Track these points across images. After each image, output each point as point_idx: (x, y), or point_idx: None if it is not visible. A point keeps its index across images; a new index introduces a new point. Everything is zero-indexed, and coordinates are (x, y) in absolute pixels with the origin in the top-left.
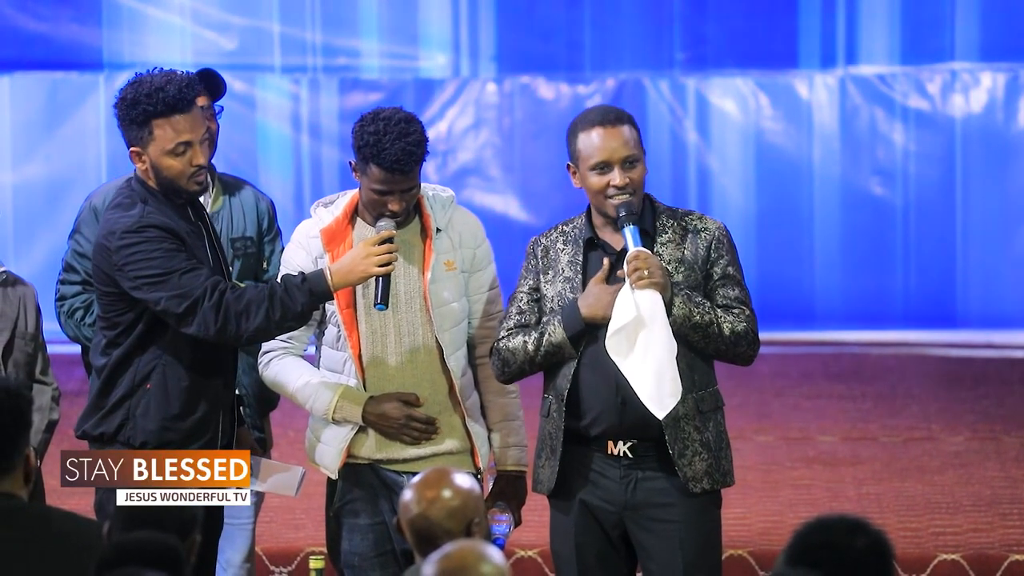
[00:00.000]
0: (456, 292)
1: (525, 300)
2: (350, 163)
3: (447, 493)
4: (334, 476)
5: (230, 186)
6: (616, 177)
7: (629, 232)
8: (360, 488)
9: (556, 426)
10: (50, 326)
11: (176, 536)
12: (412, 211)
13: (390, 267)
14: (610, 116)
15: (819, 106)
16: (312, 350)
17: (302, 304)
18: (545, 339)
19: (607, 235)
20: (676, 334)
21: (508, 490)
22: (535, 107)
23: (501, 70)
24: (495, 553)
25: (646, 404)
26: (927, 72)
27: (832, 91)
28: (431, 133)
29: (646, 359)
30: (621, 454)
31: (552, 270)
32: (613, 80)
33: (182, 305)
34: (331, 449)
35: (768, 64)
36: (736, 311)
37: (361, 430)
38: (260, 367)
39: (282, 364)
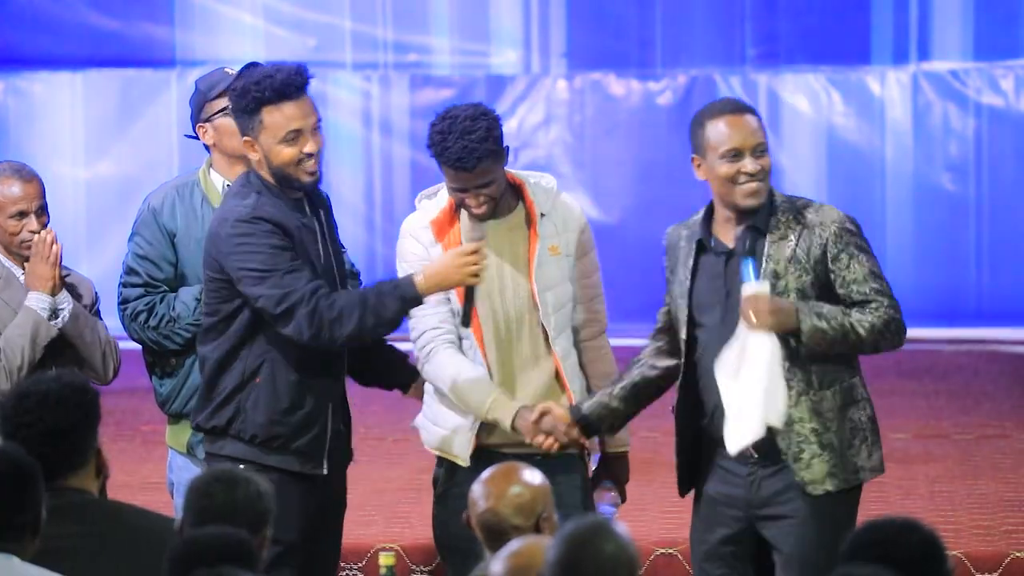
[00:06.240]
0: (561, 276)
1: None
2: None
3: (515, 488)
4: (466, 464)
5: None
6: (748, 164)
7: (748, 265)
8: (468, 471)
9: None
10: (113, 323)
11: (248, 531)
12: (516, 199)
13: (480, 278)
14: (739, 105)
15: (891, 102)
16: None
17: (393, 312)
18: None
19: (724, 232)
20: (818, 355)
21: (612, 470)
22: (606, 104)
23: (572, 67)
24: None
25: (725, 436)
26: (1001, 68)
27: (904, 87)
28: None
29: (740, 393)
30: (748, 454)
31: (678, 267)
32: (684, 77)
33: (279, 307)
34: (460, 438)
35: (840, 60)
36: (873, 305)
37: None
38: (420, 359)
39: (439, 359)
